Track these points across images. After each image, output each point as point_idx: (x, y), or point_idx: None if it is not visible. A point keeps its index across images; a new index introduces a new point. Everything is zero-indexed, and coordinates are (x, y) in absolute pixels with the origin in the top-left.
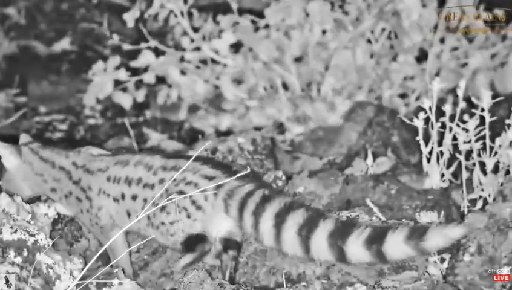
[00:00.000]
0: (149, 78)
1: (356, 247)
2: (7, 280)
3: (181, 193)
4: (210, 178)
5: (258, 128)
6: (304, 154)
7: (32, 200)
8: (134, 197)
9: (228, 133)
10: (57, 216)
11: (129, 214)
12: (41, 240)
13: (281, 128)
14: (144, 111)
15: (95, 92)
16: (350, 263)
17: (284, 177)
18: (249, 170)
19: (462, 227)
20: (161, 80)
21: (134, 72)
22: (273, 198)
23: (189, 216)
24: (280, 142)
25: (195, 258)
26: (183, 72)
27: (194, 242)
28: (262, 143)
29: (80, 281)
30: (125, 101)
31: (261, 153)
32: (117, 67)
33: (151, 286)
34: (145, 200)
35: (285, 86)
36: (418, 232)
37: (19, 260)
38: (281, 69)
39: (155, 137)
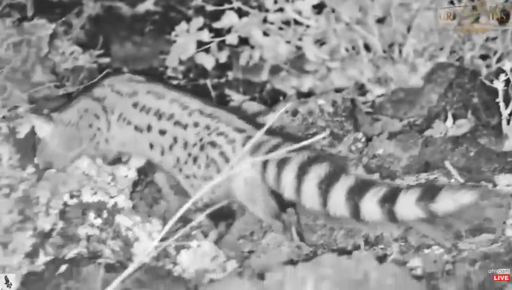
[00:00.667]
0: (231, 39)
1: (371, 204)
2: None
3: (212, 143)
4: (241, 130)
5: (338, 90)
6: (384, 116)
7: (114, 161)
8: (163, 132)
9: (309, 94)
10: (137, 178)
11: (151, 146)
12: (121, 202)
13: (362, 89)
14: (227, 72)
15: (178, 53)
16: (363, 220)
17: (363, 139)
18: (328, 131)
19: (473, 193)
20: (243, 41)
21: (217, 33)
22: (299, 151)
23: (218, 171)
24: (361, 104)
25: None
26: (265, 33)
27: (220, 214)
28: (342, 105)
29: (159, 243)
30: (208, 62)
31: (341, 115)
32: (200, 28)
33: (230, 248)
34: (175, 139)
35: (367, 47)
36: (430, 194)
37: (98, 221)
38: (363, 30)
39: (236, 98)
